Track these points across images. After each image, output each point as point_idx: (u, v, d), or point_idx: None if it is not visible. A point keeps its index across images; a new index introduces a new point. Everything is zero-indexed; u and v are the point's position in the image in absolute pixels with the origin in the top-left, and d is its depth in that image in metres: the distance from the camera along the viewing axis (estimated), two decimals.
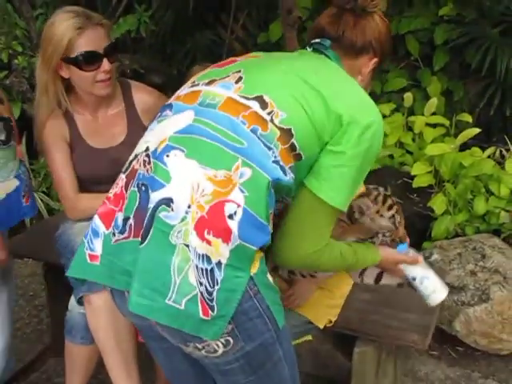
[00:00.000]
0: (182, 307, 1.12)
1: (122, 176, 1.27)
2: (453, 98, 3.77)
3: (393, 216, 1.52)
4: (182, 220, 1.14)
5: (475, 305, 2.29)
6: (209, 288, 1.12)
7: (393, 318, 1.86)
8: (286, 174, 1.20)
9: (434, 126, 3.33)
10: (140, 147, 1.26)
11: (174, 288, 1.13)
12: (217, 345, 1.17)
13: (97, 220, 1.26)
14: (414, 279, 1.52)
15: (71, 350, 1.86)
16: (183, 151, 1.18)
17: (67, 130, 1.83)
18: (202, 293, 1.12)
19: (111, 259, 1.22)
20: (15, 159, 1.79)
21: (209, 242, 1.12)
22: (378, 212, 1.51)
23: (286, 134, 1.20)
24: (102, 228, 1.25)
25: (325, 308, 1.79)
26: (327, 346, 2.28)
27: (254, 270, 1.17)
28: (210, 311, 1.13)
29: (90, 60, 1.72)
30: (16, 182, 1.78)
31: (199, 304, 1.12)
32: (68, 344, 1.86)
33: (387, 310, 1.89)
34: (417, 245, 2.78)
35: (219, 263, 1.12)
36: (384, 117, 3.51)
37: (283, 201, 1.33)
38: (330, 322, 1.78)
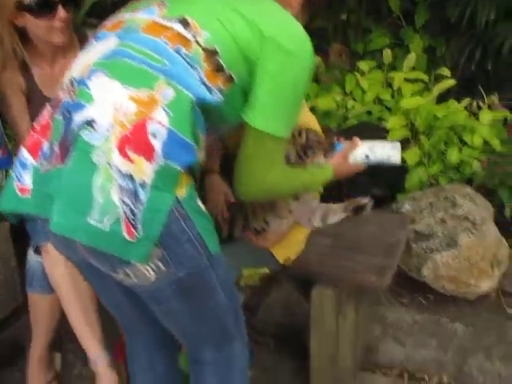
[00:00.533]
0: (105, 227, 1.13)
1: (48, 107, 1.29)
2: (436, 55, 3.75)
3: (307, 139, 1.56)
4: (105, 139, 1.14)
5: (443, 251, 2.30)
6: (132, 208, 1.13)
7: (352, 260, 1.87)
8: (212, 94, 1.21)
9: (414, 81, 3.32)
10: (66, 77, 1.28)
11: (96, 207, 1.13)
12: (147, 270, 1.18)
13: (24, 152, 1.27)
14: (368, 157, 1.57)
15: (33, 301, 1.90)
16: (105, 73, 1.19)
17: (23, 81, 1.84)
18: (125, 212, 1.13)
19: (40, 189, 1.23)
20: None
21: (131, 161, 1.13)
22: (299, 154, 1.56)
23: (211, 53, 1.22)
24: (29, 160, 1.26)
25: (287, 242, 1.80)
26: (296, 295, 2.31)
27: (180, 193, 1.18)
28: (134, 232, 1.13)
29: (44, 7, 1.72)
30: None
31: (123, 224, 1.13)
32: (30, 295, 1.90)
33: (347, 253, 1.91)
34: (391, 197, 2.80)
35: (143, 183, 1.13)
36: (363, 74, 3.51)
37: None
38: (289, 259, 1.80)
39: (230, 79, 1.25)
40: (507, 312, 2.30)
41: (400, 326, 2.30)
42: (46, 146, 1.24)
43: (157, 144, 1.14)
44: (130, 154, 1.13)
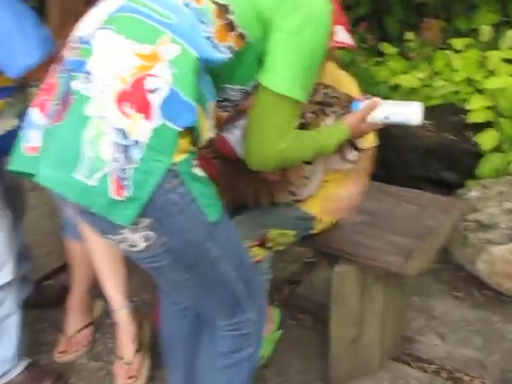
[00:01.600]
0: (92, 183, 1.07)
1: (55, 67, 1.27)
2: None
3: (325, 94, 1.45)
4: (102, 91, 1.10)
5: (501, 244, 2.08)
6: (123, 165, 1.07)
7: (379, 239, 1.75)
8: (219, 52, 1.15)
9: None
10: (73, 36, 1.25)
11: (84, 162, 1.08)
12: (136, 239, 1.14)
13: (32, 112, 1.25)
14: (387, 117, 1.46)
15: (68, 247, 1.99)
16: (111, 28, 1.16)
17: None
18: (115, 169, 1.07)
19: (45, 146, 1.20)
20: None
21: (128, 116, 1.08)
22: (315, 112, 1.47)
23: (223, 9, 1.16)
24: (37, 119, 1.24)
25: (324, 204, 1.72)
26: None
27: (177, 158, 1.11)
28: (122, 191, 1.07)
29: None
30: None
31: (111, 181, 1.07)
32: (65, 242, 1.99)
33: (376, 231, 1.79)
34: (462, 183, 2.59)
35: (138, 142, 1.07)
36: (456, 52, 3.26)
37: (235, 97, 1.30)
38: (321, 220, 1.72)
39: (242, 38, 1.19)
40: None
41: (445, 320, 2.13)
42: (51, 104, 1.23)
43: (156, 101, 1.08)
44: (127, 109, 1.08)
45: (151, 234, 1.13)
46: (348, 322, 1.80)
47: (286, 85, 1.22)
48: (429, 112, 2.97)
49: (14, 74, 1.56)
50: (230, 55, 1.17)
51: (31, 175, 1.19)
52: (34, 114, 1.23)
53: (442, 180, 2.71)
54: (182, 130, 1.10)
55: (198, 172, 1.18)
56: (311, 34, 1.21)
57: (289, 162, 1.38)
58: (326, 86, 1.56)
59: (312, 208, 1.70)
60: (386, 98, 3.53)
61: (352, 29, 3.66)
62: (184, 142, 1.13)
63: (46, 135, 1.19)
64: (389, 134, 2.82)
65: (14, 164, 1.24)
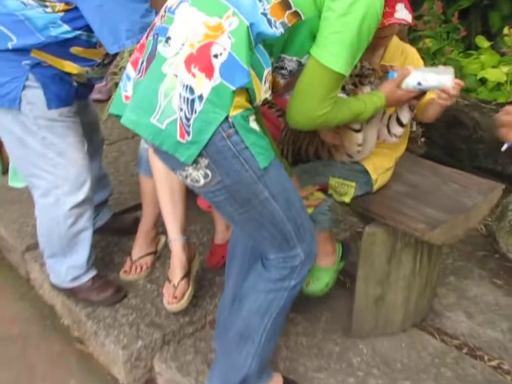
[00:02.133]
0: (164, 127, 1.33)
1: (148, 30, 1.52)
2: None
3: (361, 67, 1.63)
4: (176, 54, 1.34)
5: None
6: (187, 115, 1.31)
7: (413, 208, 1.87)
8: (271, 27, 1.34)
9: None
10: (162, 8, 1.49)
11: (158, 109, 1.33)
12: (197, 175, 1.38)
13: (128, 67, 1.50)
14: (420, 83, 1.59)
15: (141, 182, 2.27)
16: (189, 1, 1.40)
17: None
18: (181, 117, 1.31)
19: (134, 95, 1.44)
20: None
21: (194, 75, 1.31)
22: (354, 83, 1.66)
23: None
24: (132, 73, 1.49)
25: (381, 166, 1.92)
26: None
27: (232, 112, 1.32)
28: (186, 135, 1.32)
29: None
30: None
31: (178, 126, 1.32)
32: (139, 176, 2.27)
33: (413, 201, 1.91)
34: None
35: (201, 96, 1.30)
36: None
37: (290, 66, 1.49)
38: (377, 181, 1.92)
39: (296, 16, 1.37)
40: None
41: (477, 302, 2.20)
42: (140, 61, 1.46)
43: (217, 64, 1.30)
44: (194, 69, 1.30)
45: (209, 172, 1.37)
46: (373, 281, 1.94)
47: (333, 59, 1.40)
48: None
49: (113, 51, 1.80)
50: (283, 30, 1.36)
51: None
52: (130, 69, 1.51)
53: (507, 174, 2.72)
54: (236, 89, 1.32)
55: (254, 125, 1.39)
56: (359, 16, 1.37)
57: (325, 125, 1.58)
58: (362, 61, 1.70)
59: (367, 165, 1.89)
60: (472, 90, 3.55)
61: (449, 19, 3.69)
62: (239, 99, 1.34)
63: (134, 87, 1.46)
64: (461, 123, 2.88)
65: (114, 108, 1.52)
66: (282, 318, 1.66)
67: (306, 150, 1.95)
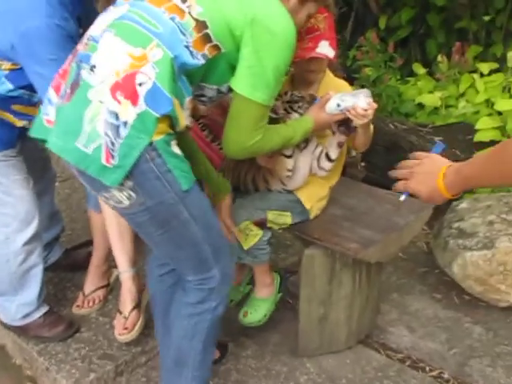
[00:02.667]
0: (89, 151, 1.39)
1: (70, 56, 1.59)
2: None
3: (291, 95, 1.78)
4: (101, 82, 1.41)
5: (475, 250, 2.24)
6: (113, 140, 1.38)
7: (348, 230, 1.98)
8: (193, 58, 1.45)
9: None
10: (85, 35, 1.57)
11: (84, 134, 1.39)
12: (121, 197, 1.44)
13: (51, 91, 1.55)
14: (339, 105, 1.72)
15: (90, 216, 2.33)
16: (113, 32, 1.48)
17: None
18: (106, 142, 1.38)
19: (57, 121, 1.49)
20: None
21: (119, 102, 1.38)
22: (286, 109, 1.77)
23: (201, 24, 1.46)
24: (54, 97, 1.53)
25: (315, 195, 2.01)
26: None
27: (155, 137, 1.41)
28: (111, 159, 1.38)
29: None
30: None
31: (103, 151, 1.38)
32: (88, 211, 2.33)
33: (348, 224, 2.02)
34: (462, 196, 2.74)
35: (126, 122, 1.38)
36: (482, 76, 3.40)
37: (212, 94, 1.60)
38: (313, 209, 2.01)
39: (216, 48, 1.48)
40: None
41: (418, 316, 2.31)
42: (63, 87, 1.51)
43: (142, 92, 1.38)
44: (119, 97, 1.38)
45: (133, 194, 1.44)
46: (316, 301, 2.03)
47: (253, 92, 1.51)
48: (443, 130, 3.16)
49: None
50: (203, 61, 1.47)
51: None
52: (52, 93, 1.56)
53: None
54: (160, 116, 1.41)
55: (176, 150, 1.48)
56: (273, 52, 1.49)
57: (258, 153, 1.70)
58: (293, 90, 1.83)
59: (301, 196, 1.99)
60: (411, 115, 3.72)
61: (384, 49, 3.88)
62: (162, 125, 1.43)
63: (57, 112, 1.52)
64: (399, 147, 3.03)
65: (35, 131, 1.57)
66: (211, 339, 1.73)
67: (244, 178, 2.05)
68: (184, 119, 1.50)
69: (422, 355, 2.15)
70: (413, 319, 2.29)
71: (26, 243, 2.08)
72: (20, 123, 1.97)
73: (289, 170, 1.91)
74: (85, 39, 1.55)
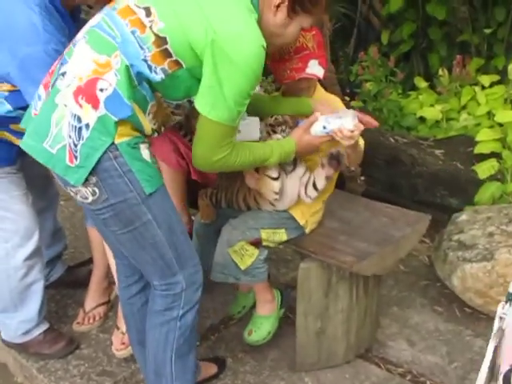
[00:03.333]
0: (54, 152, 1.48)
1: (59, 57, 1.62)
2: None
3: (275, 119, 1.80)
4: (67, 86, 1.48)
5: (475, 262, 2.22)
6: (75, 141, 1.45)
7: (344, 243, 1.98)
8: (151, 72, 1.48)
9: None
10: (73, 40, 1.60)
11: (51, 136, 1.48)
12: (86, 192, 1.50)
13: (41, 88, 1.60)
14: (325, 127, 1.71)
15: (89, 233, 2.35)
16: (85, 38, 1.52)
17: None
18: (69, 144, 1.46)
19: None
20: None
21: (81, 106, 1.45)
22: (268, 131, 1.83)
23: (161, 40, 1.47)
24: (43, 94, 1.58)
25: (308, 210, 2.00)
26: None
27: (118, 139, 1.46)
28: (74, 159, 1.46)
29: None
30: None
31: (67, 152, 1.46)
32: (87, 228, 2.35)
33: (344, 237, 2.02)
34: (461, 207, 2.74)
35: (88, 125, 1.45)
36: (483, 88, 3.40)
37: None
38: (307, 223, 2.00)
39: (177, 64, 1.49)
40: None
41: (418, 330, 2.28)
42: (50, 85, 1.57)
43: (102, 97, 1.45)
44: (81, 101, 1.45)
45: (96, 190, 1.49)
46: (313, 315, 2.02)
47: (207, 108, 1.51)
48: (444, 143, 3.16)
49: None
50: (163, 76, 1.50)
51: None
52: (41, 90, 1.60)
53: (446, 205, 2.86)
54: (118, 120, 1.46)
55: (144, 153, 1.52)
56: (233, 81, 1.47)
57: (228, 168, 1.67)
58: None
59: (294, 212, 1.99)
60: (412, 129, 3.72)
61: (385, 63, 3.90)
62: (124, 128, 1.48)
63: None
64: (400, 161, 3.03)
65: (24, 122, 1.63)
66: (186, 347, 1.73)
67: (236, 197, 2.05)
68: (148, 123, 1.55)
69: (422, 369, 2.13)
70: (413, 333, 2.27)
71: (27, 258, 2.11)
72: (18, 142, 2.01)
73: (276, 193, 1.89)
74: (71, 44, 1.60)
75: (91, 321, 2.38)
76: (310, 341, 2.06)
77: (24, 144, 1.55)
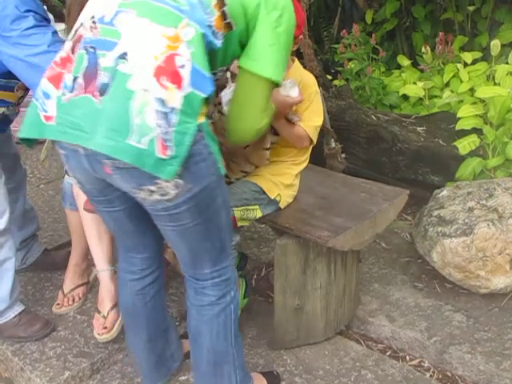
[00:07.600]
0: (143, 146, 1.27)
1: (68, 42, 1.40)
2: None
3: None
4: (141, 69, 1.29)
5: (454, 237, 2.20)
6: (165, 129, 1.27)
7: (320, 218, 1.95)
8: (216, 38, 1.39)
9: None
10: (85, 16, 1.40)
11: (134, 129, 1.27)
12: (168, 187, 1.34)
13: (46, 83, 1.37)
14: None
15: (67, 215, 2.31)
16: (134, 12, 1.33)
17: None
18: (159, 133, 1.27)
19: (63, 116, 1.33)
20: None
21: (165, 87, 1.28)
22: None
23: (221, 2, 1.39)
24: (52, 90, 1.36)
25: (278, 183, 1.98)
26: None
27: (200, 119, 1.34)
28: (167, 151, 1.28)
29: None
30: None
31: (157, 143, 1.27)
32: (65, 210, 2.31)
33: (321, 212, 1.99)
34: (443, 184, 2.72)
35: (174, 108, 1.28)
36: (465, 65, 3.37)
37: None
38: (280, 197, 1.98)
39: (229, 26, 1.41)
40: None
41: (398, 306, 2.27)
42: (67, 77, 1.35)
43: (185, 74, 1.30)
44: (165, 82, 1.28)
45: (180, 181, 1.35)
46: (290, 292, 2.00)
47: (271, 69, 1.46)
48: (426, 120, 3.13)
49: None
50: (221, 42, 1.42)
51: (32, 141, 1.42)
52: (48, 85, 1.38)
53: (428, 182, 2.84)
54: (206, 96, 1.33)
55: (213, 134, 1.42)
56: (288, 25, 1.47)
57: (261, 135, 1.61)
58: None
59: (263, 185, 1.95)
60: (395, 107, 3.69)
61: (367, 41, 3.86)
62: (205, 107, 1.36)
63: (69, 105, 1.33)
64: (381, 138, 3.00)
65: (30, 132, 1.39)
66: (237, 324, 1.67)
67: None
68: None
69: (401, 344, 2.12)
70: (393, 309, 2.25)
71: None
72: None
73: (265, 149, 1.93)
74: (87, 22, 1.38)
75: (70, 302, 2.34)
76: (289, 318, 2.04)
77: (101, 146, 1.29)
